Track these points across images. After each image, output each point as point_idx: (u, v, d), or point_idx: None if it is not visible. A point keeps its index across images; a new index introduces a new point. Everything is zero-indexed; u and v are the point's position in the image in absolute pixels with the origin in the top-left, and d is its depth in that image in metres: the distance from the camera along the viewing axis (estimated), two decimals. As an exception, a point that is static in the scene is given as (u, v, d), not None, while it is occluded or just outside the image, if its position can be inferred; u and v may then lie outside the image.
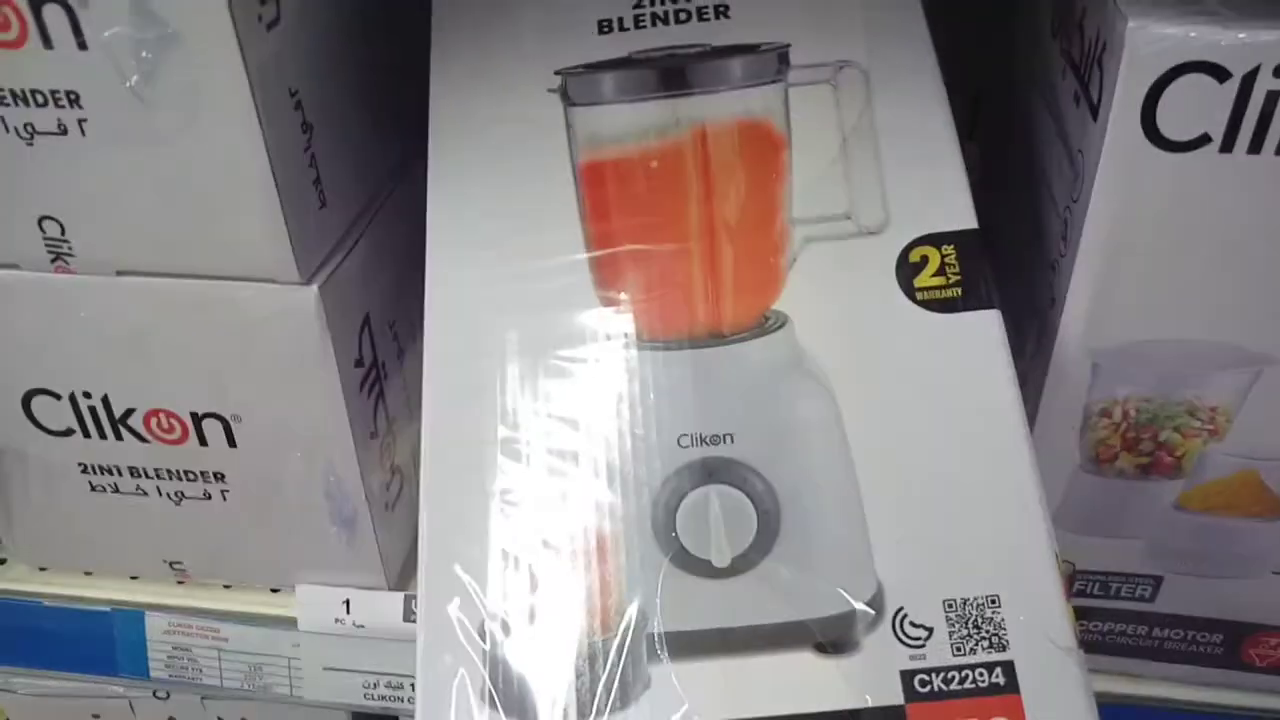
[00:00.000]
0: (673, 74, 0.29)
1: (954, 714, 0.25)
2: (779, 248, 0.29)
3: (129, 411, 0.35)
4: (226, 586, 0.40)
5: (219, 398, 0.34)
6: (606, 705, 0.25)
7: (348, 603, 0.38)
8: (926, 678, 0.25)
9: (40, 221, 0.31)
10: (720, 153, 0.29)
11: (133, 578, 0.40)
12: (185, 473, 0.36)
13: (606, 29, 0.31)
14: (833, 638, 0.26)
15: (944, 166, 0.29)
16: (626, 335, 0.29)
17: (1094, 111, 0.28)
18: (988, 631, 0.26)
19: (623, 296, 0.29)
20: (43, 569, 0.41)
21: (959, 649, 0.26)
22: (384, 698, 0.39)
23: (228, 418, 0.34)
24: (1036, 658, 0.25)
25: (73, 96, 0.28)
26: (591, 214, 0.30)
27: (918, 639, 0.26)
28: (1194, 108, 0.26)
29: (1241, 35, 0.25)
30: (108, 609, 0.40)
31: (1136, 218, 0.28)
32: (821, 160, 0.30)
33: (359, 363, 0.34)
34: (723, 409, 0.28)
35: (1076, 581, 0.35)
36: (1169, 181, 0.27)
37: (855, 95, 0.30)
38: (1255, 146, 0.26)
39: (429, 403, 0.29)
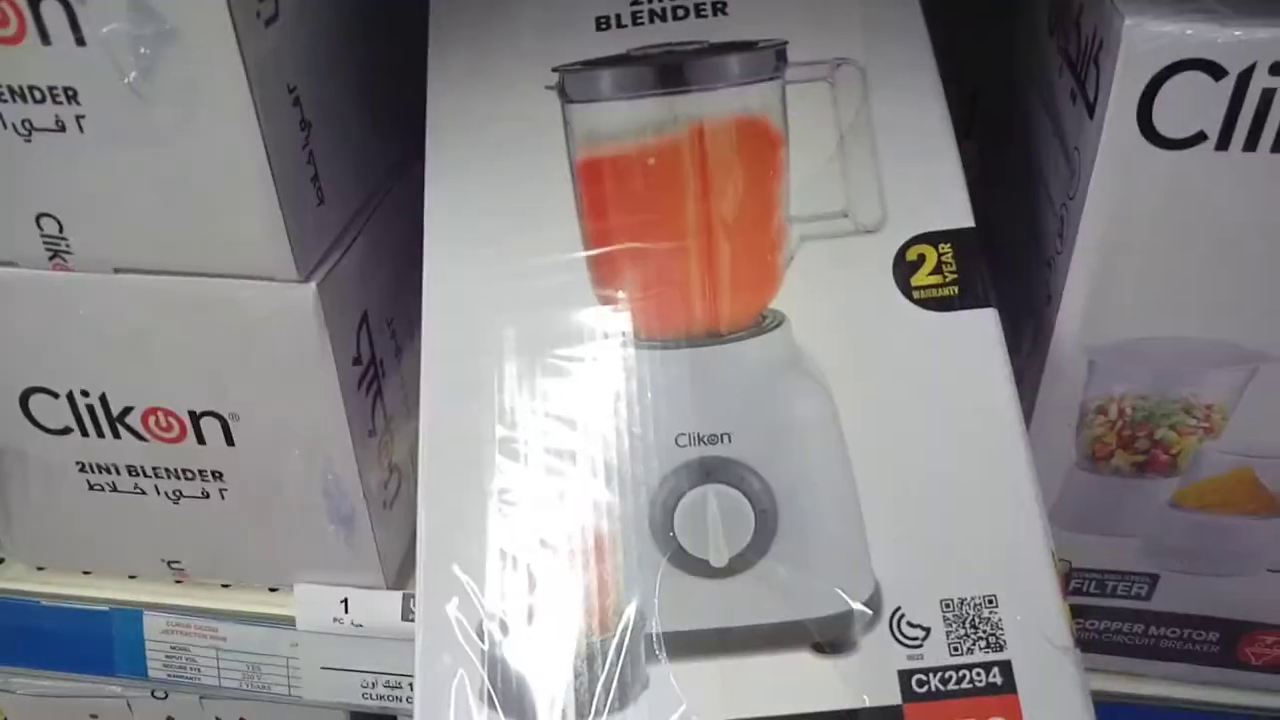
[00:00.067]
0: (670, 71, 0.29)
1: (951, 714, 0.25)
2: (776, 246, 0.29)
3: (127, 410, 0.35)
4: (225, 586, 0.40)
5: (217, 396, 0.34)
6: (605, 705, 0.25)
7: (346, 602, 0.38)
8: (924, 677, 0.25)
9: (38, 219, 0.31)
10: (718, 150, 0.29)
11: (131, 577, 0.40)
12: (183, 471, 0.36)
13: (604, 26, 0.31)
14: (830, 638, 0.26)
15: (941, 164, 0.29)
16: (624, 334, 0.29)
17: (1090, 109, 0.28)
18: (985, 631, 0.26)
19: (620, 295, 0.29)
20: (41, 568, 0.41)
21: (956, 649, 0.26)
22: (382, 697, 0.39)
23: (226, 416, 0.34)
24: (1033, 657, 0.25)
25: (71, 93, 0.28)
26: (589, 212, 0.30)
27: (915, 639, 0.26)
28: (1190, 105, 0.26)
29: (1237, 33, 0.25)
30: (106, 608, 0.40)
31: (1133, 215, 0.28)
32: (819, 158, 0.30)
33: (357, 361, 0.34)
34: (720, 408, 0.28)
35: (1073, 580, 0.35)
36: (1165, 179, 0.27)
37: (852, 92, 0.30)
38: (1251, 144, 0.26)
39: (427, 401, 0.29)
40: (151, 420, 0.35)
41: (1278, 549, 0.33)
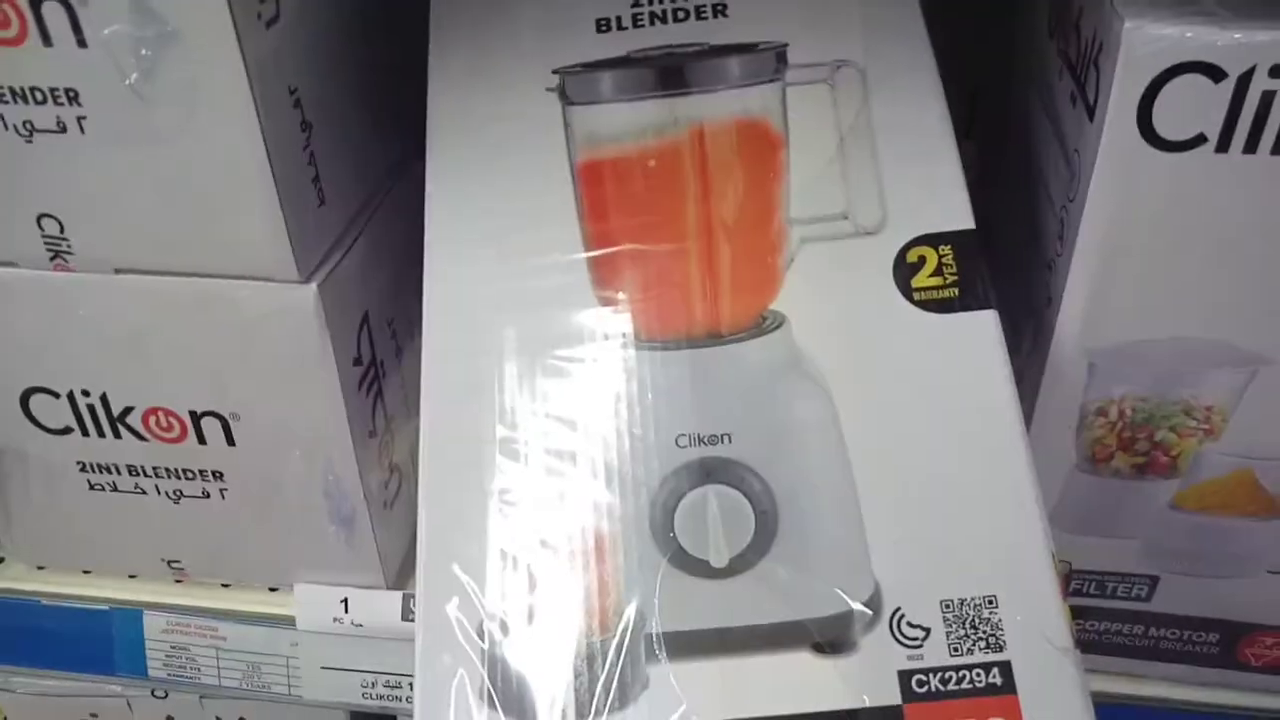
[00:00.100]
0: (671, 73, 0.29)
1: (951, 714, 0.25)
2: (776, 247, 0.30)
3: (128, 410, 0.35)
4: (225, 585, 0.40)
5: (218, 396, 0.34)
6: (605, 705, 0.25)
7: (346, 602, 0.38)
8: (924, 678, 0.26)
9: (39, 219, 0.31)
10: (718, 152, 0.29)
11: (131, 577, 0.40)
12: (184, 471, 0.36)
13: (605, 28, 0.31)
14: (830, 638, 0.26)
15: (941, 166, 0.30)
16: (624, 335, 0.29)
17: (1090, 112, 0.28)
18: (985, 632, 0.26)
19: (621, 296, 0.29)
20: (41, 568, 0.41)
21: (956, 649, 0.26)
22: (382, 697, 0.39)
23: (226, 416, 0.34)
24: (1033, 658, 0.25)
25: (72, 94, 0.28)
26: (589, 213, 0.30)
27: (915, 639, 0.26)
28: (1190, 108, 0.26)
29: (1237, 35, 0.25)
30: (106, 608, 0.40)
31: (1132, 217, 0.28)
32: (819, 159, 0.30)
33: (358, 361, 0.35)
34: (720, 409, 0.28)
35: (1073, 581, 0.35)
36: (1165, 181, 0.27)
37: (852, 94, 0.30)
38: (1250, 146, 0.26)
39: (427, 401, 0.29)
40: (152, 420, 0.35)
41: (1278, 550, 0.33)
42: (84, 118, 0.28)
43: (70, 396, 0.35)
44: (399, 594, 0.38)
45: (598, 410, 0.28)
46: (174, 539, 0.39)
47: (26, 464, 0.37)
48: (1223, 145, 0.26)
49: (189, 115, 0.28)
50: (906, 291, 0.29)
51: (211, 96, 0.27)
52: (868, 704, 0.25)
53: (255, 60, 0.27)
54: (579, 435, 0.28)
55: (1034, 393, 0.32)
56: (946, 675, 0.26)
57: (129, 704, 0.43)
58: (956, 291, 0.28)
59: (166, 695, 0.43)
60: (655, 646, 0.26)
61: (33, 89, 0.28)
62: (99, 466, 0.36)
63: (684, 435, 0.28)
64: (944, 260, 0.29)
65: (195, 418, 0.34)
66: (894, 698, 0.25)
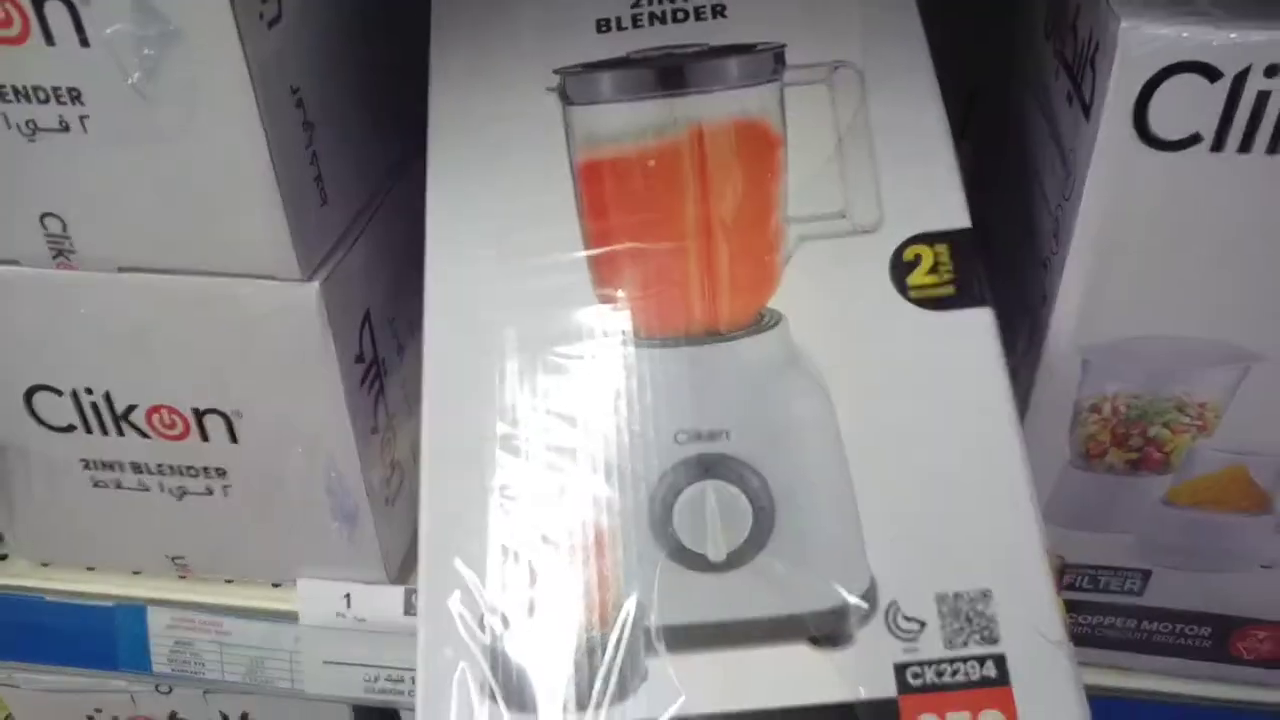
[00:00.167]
0: (670, 74, 0.30)
1: (946, 706, 0.25)
2: (774, 246, 0.30)
3: (131, 408, 0.35)
4: (228, 581, 0.40)
5: (220, 394, 0.34)
6: (605, 697, 0.26)
7: (348, 597, 0.38)
8: (919, 670, 0.26)
9: (42, 218, 0.31)
10: (717, 152, 0.30)
11: (135, 573, 0.41)
12: (187, 468, 0.36)
13: (605, 28, 0.31)
14: (826, 631, 0.26)
15: (938, 165, 0.30)
16: (624, 332, 0.29)
17: (1086, 111, 0.28)
18: (979, 625, 0.26)
19: (620, 294, 0.29)
20: (45, 564, 0.41)
21: (951, 642, 0.26)
22: (385, 691, 0.40)
23: (229, 414, 0.34)
24: (1027, 651, 0.26)
25: (74, 93, 0.28)
26: (589, 212, 0.30)
27: (910, 632, 0.26)
28: (1185, 107, 0.26)
29: (1233, 35, 0.25)
30: (110, 604, 0.40)
31: (1127, 216, 0.28)
32: (817, 159, 0.30)
33: (360, 359, 0.35)
34: (719, 405, 0.28)
35: (1066, 575, 0.35)
36: (1160, 180, 0.27)
37: (850, 95, 0.30)
38: (1245, 146, 0.26)
39: (428, 399, 0.29)
40: (155, 418, 0.35)
41: (1269, 545, 0.34)
42: (86, 117, 0.28)
43: (74, 394, 0.35)
44: (401, 589, 0.38)
45: (597, 407, 0.28)
46: (177, 535, 0.39)
47: (30, 461, 0.37)
48: (1218, 145, 0.26)
49: (191, 115, 0.28)
50: (903, 289, 0.29)
51: (214, 96, 0.28)
52: (863, 696, 0.25)
53: (257, 60, 0.27)
54: (579, 431, 0.28)
55: (1029, 389, 0.32)
56: (941, 668, 0.26)
57: (133, 699, 0.44)
58: (953, 289, 0.29)
59: (170, 690, 0.43)
60: (654, 639, 0.26)
61: (35, 88, 0.28)
62: (102, 464, 0.37)
63: (683, 431, 0.28)
64: (940, 259, 0.29)
65: (198, 415, 0.35)
66: (889, 690, 0.26)
